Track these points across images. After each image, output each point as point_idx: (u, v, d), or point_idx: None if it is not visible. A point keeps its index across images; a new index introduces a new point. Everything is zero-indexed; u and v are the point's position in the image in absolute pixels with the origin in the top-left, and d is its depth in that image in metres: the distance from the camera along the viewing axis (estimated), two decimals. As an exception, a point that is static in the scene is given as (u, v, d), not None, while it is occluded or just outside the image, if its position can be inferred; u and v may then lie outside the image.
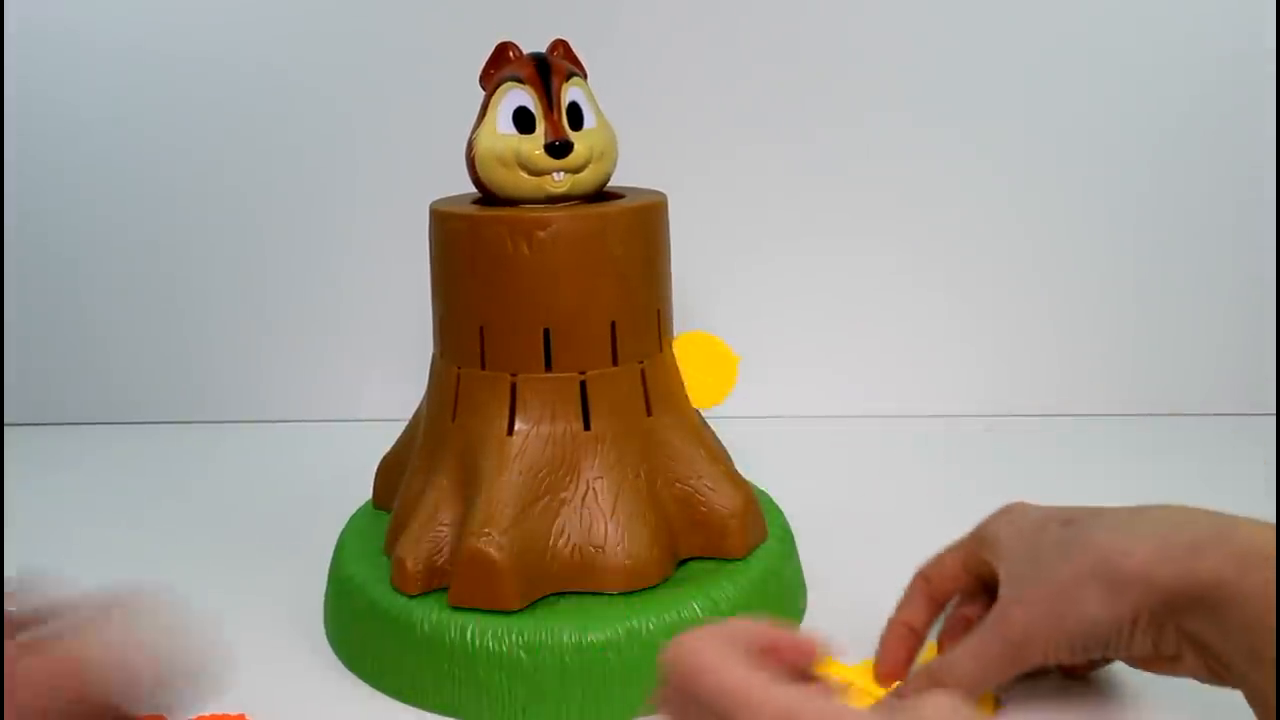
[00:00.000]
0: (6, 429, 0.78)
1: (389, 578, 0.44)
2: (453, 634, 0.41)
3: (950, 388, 0.76)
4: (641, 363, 0.46)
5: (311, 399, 0.79)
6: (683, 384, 0.48)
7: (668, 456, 0.46)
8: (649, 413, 0.46)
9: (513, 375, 0.45)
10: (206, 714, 0.38)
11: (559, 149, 0.44)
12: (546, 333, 0.44)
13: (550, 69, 0.45)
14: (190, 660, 0.25)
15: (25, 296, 0.78)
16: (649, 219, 0.46)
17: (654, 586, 0.44)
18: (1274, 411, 0.73)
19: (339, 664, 0.46)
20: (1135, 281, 0.74)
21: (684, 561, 0.46)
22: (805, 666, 0.29)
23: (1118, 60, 0.70)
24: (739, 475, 0.48)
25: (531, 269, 0.43)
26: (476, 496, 0.43)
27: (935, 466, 0.68)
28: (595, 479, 0.44)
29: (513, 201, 0.45)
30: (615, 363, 0.45)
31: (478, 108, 0.46)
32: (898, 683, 0.40)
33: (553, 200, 0.45)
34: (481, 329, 0.45)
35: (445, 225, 0.46)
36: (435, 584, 0.44)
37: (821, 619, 0.48)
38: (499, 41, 0.46)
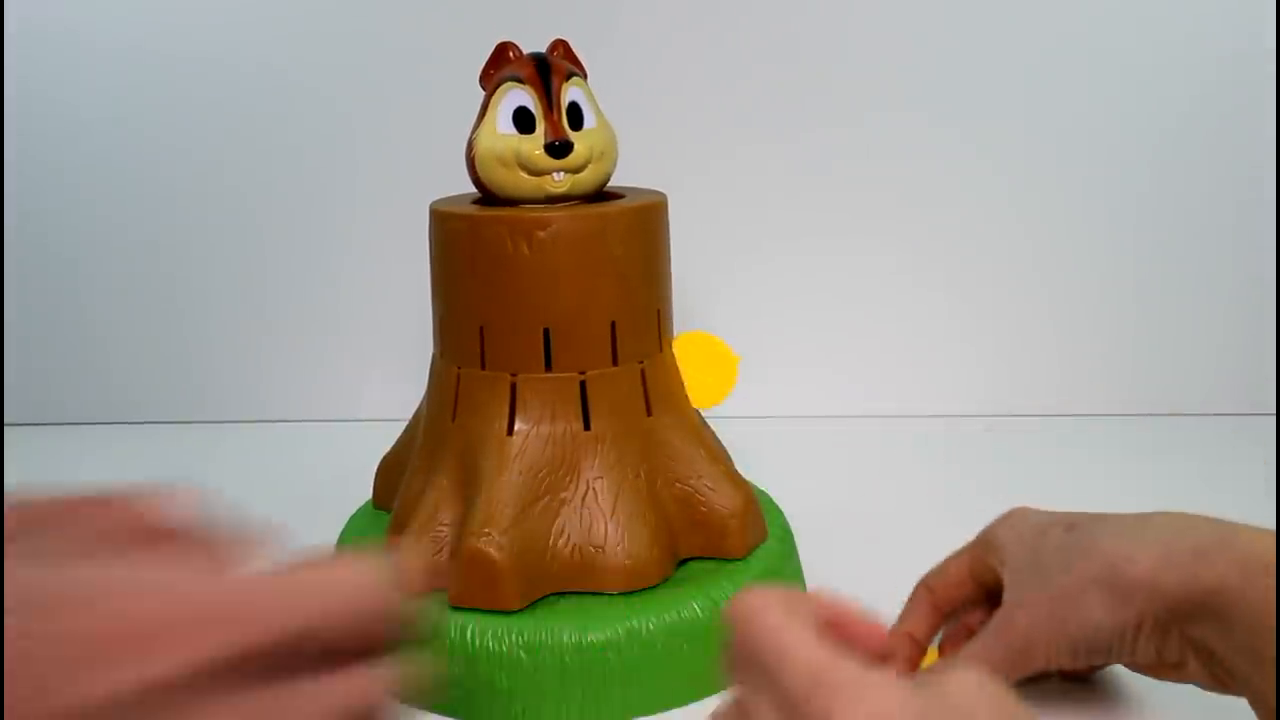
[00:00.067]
0: (6, 429, 0.77)
1: (389, 578, 0.44)
2: (453, 634, 0.41)
3: (950, 388, 0.76)
4: (641, 363, 0.46)
5: (311, 399, 0.79)
6: (683, 384, 0.48)
7: (668, 456, 0.46)
8: (649, 413, 0.46)
9: (513, 375, 0.45)
10: None
11: (559, 149, 0.44)
12: (546, 333, 0.44)
13: (550, 69, 0.45)
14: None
15: (25, 296, 0.78)
16: (649, 219, 0.46)
17: (654, 586, 0.44)
18: (1274, 411, 0.73)
19: (339, 664, 0.46)
20: (1135, 281, 0.74)
21: (684, 561, 0.46)
22: (872, 649, 0.29)
23: (1118, 60, 0.70)
24: (739, 475, 0.48)
25: (531, 269, 0.43)
26: (476, 496, 0.43)
27: (935, 466, 0.68)
28: (595, 479, 0.44)
29: (513, 201, 0.45)
30: (615, 363, 0.45)
31: (478, 108, 0.46)
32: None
33: (553, 200, 0.45)
34: (481, 329, 0.45)
35: (445, 225, 0.46)
36: (435, 584, 0.44)
37: (821, 619, 0.48)
38: (499, 41, 0.46)
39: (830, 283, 0.75)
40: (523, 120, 0.44)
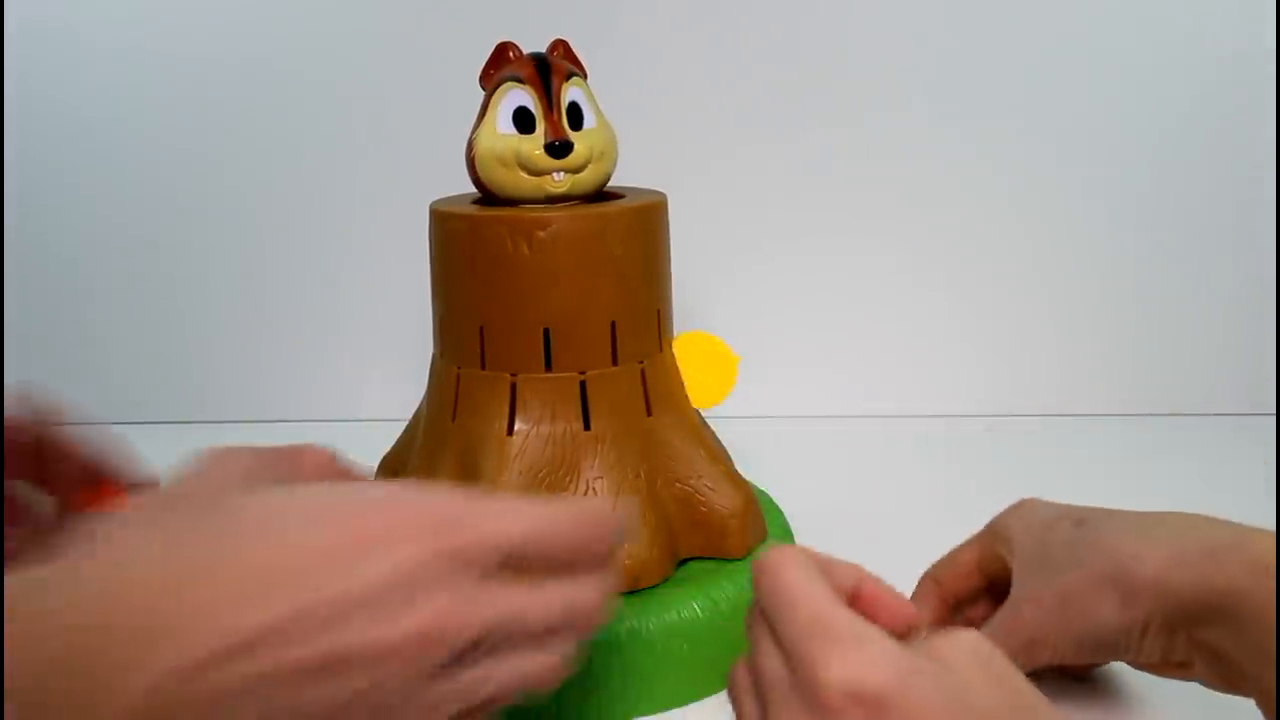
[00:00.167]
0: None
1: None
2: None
3: (950, 388, 0.76)
4: (641, 363, 0.46)
5: (311, 399, 0.79)
6: (683, 384, 0.48)
7: (668, 456, 0.46)
8: (649, 413, 0.46)
9: (513, 375, 0.45)
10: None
11: (559, 149, 0.44)
12: (546, 333, 0.44)
13: (550, 69, 0.45)
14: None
15: (25, 296, 0.78)
16: (649, 219, 0.46)
17: (654, 586, 0.44)
18: (1274, 411, 0.73)
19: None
20: (1135, 281, 0.74)
21: (684, 561, 0.46)
22: (896, 625, 0.29)
23: (1118, 60, 0.70)
24: (739, 475, 0.48)
25: (531, 269, 0.43)
26: (476, 496, 0.43)
27: (935, 466, 0.68)
28: (595, 479, 0.44)
29: (513, 201, 0.45)
30: (615, 363, 0.45)
31: (478, 108, 0.46)
32: None
33: (553, 200, 0.45)
34: (481, 329, 0.45)
35: (445, 225, 0.46)
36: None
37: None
38: (499, 41, 0.46)
39: (830, 283, 0.75)
40: (523, 120, 0.44)
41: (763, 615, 0.30)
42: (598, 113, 0.46)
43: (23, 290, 0.78)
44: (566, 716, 0.41)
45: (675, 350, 0.48)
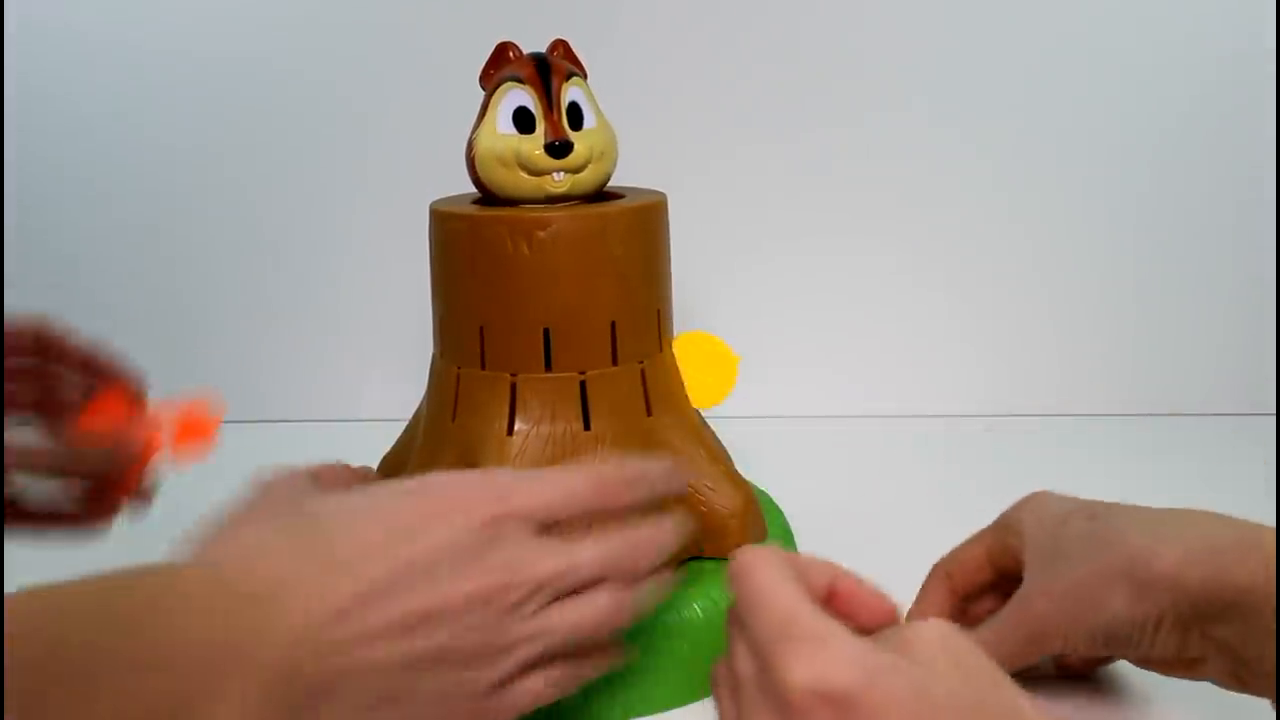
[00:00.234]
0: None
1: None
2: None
3: (950, 388, 0.76)
4: (641, 363, 0.46)
5: (311, 399, 0.79)
6: (683, 384, 0.48)
7: (668, 456, 0.46)
8: (649, 413, 0.46)
9: (513, 375, 0.45)
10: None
11: (559, 149, 0.44)
12: (546, 333, 0.44)
13: (550, 69, 0.45)
14: None
15: (25, 296, 0.78)
16: (649, 219, 0.46)
17: (654, 586, 0.44)
18: (1274, 411, 0.73)
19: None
20: (1135, 281, 0.74)
21: (684, 561, 0.46)
22: (874, 623, 0.30)
23: (1118, 60, 0.70)
24: (739, 475, 0.48)
25: (531, 269, 0.43)
26: (476, 496, 0.43)
27: (935, 466, 0.68)
28: (595, 479, 0.44)
29: (513, 201, 0.45)
30: (615, 363, 0.45)
31: (478, 108, 0.46)
32: None
33: (553, 200, 0.45)
34: (481, 329, 0.45)
35: (445, 225, 0.46)
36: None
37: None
38: (499, 41, 0.46)
39: (830, 283, 0.75)
40: (523, 120, 0.44)
41: (736, 616, 0.30)
42: (598, 113, 0.46)
43: (22, 290, 0.77)
44: (567, 716, 0.41)
45: (675, 350, 0.48)
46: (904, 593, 0.43)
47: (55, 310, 0.80)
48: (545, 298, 0.44)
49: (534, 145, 0.44)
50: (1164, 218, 0.73)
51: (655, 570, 0.35)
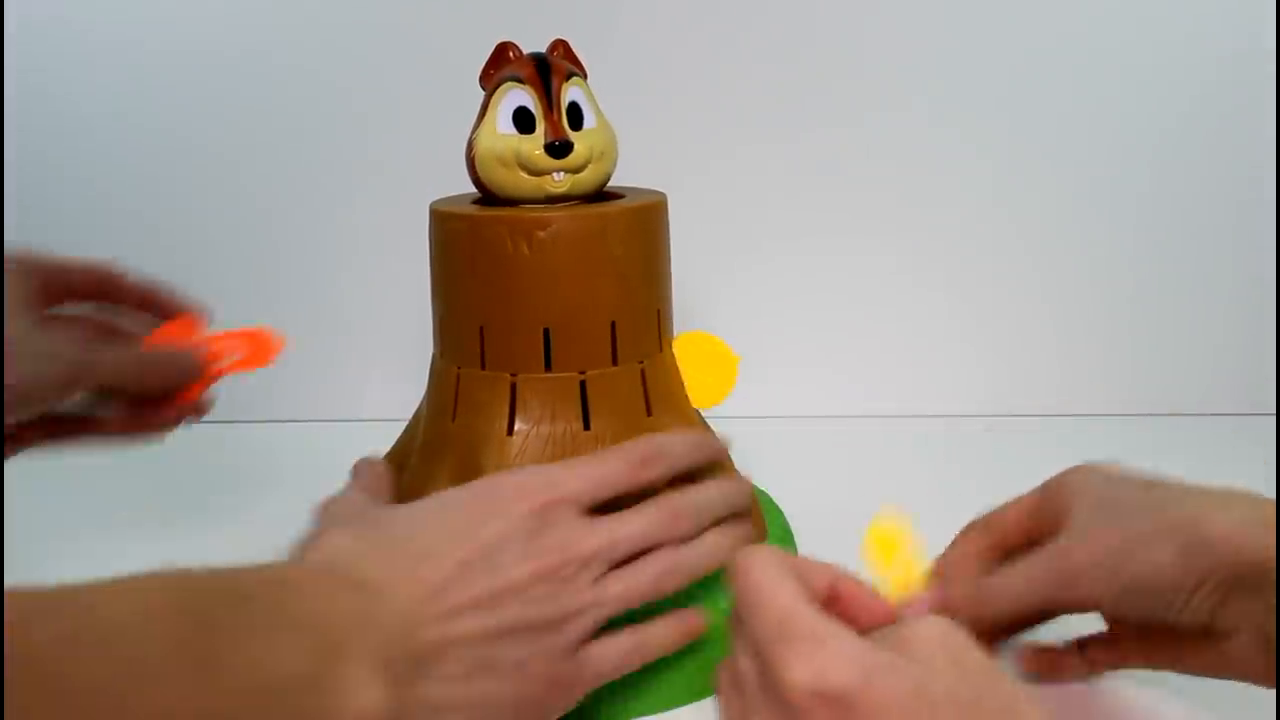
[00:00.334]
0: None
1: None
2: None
3: (950, 388, 0.76)
4: (641, 363, 0.46)
5: (312, 399, 0.79)
6: (683, 384, 0.48)
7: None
8: (649, 413, 0.46)
9: (513, 375, 0.45)
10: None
11: (559, 149, 0.44)
12: (546, 333, 0.44)
13: (550, 69, 0.45)
14: None
15: (25, 296, 0.78)
16: (649, 219, 0.46)
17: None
18: (1274, 411, 0.73)
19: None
20: (1135, 281, 0.74)
21: (684, 561, 0.46)
22: (871, 627, 0.30)
23: (1118, 60, 0.70)
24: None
25: (531, 269, 0.43)
26: (476, 496, 0.43)
27: (935, 466, 0.68)
28: (595, 479, 0.44)
29: (513, 201, 0.45)
30: (615, 363, 0.45)
31: (478, 108, 0.46)
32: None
33: (553, 200, 0.45)
34: (481, 329, 0.45)
35: (445, 225, 0.46)
36: None
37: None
38: (499, 41, 0.46)
39: (830, 283, 0.75)
40: (523, 120, 0.44)
41: (737, 617, 0.31)
42: (598, 113, 0.46)
43: (23, 290, 0.77)
44: (567, 716, 0.41)
45: (675, 350, 0.48)
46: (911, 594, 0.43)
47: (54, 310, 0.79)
48: (545, 298, 0.44)
49: (534, 145, 0.44)
50: (1164, 218, 0.73)
51: (706, 529, 0.40)
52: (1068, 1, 0.69)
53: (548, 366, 0.44)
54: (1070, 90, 0.70)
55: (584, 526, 0.36)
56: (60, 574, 0.26)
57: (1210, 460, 0.66)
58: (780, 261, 0.75)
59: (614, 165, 0.47)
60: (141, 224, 0.77)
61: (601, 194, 0.47)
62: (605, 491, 0.38)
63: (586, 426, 0.45)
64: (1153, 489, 0.37)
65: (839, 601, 0.31)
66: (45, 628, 0.24)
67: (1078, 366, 0.76)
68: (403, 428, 0.52)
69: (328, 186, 0.75)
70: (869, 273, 0.74)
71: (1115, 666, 0.39)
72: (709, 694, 0.42)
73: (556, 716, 0.36)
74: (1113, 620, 0.39)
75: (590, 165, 0.45)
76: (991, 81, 0.70)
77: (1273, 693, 0.34)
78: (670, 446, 0.40)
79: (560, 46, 0.47)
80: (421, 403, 0.50)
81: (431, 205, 0.47)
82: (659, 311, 0.47)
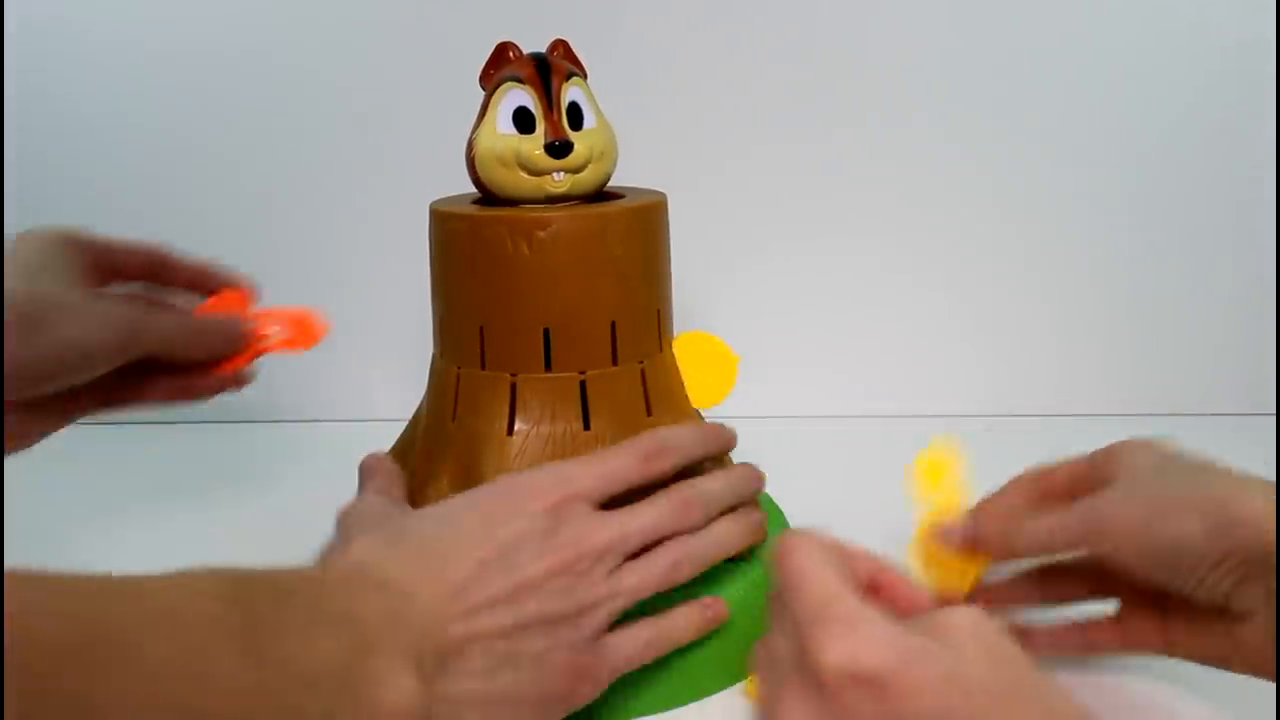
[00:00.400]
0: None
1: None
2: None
3: (950, 388, 0.76)
4: (641, 363, 0.46)
5: (312, 399, 0.79)
6: (683, 384, 0.48)
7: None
8: (649, 413, 0.46)
9: (513, 375, 0.45)
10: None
11: (559, 149, 0.44)
12: (546, 333, 0.44)
13: (550, 69, 0.45)
14: None
15: (25, 296, 0.78)
16: (649, 219, 0.46)
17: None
18: (1274, 411, 0.73)
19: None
20: (1135, 281, 0.74)
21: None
22: (905, 612, 0.31)
23: (1118, 60, 0.70)
24: (739, 475, 0.48)
25: (531, 269, 0.44)
26: (476, 496, 0.43)
27: (935, 466, 0.67)
28: (595, 479, 0.44)
29: (513, 201, 0.45)
30: (615, 363, 0.45)
31: (478, 108, 0.46)
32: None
33: (553, 200, 0.45)
34: (481, 329, 0.45)
35: (445, 225, 0.46)
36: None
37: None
38: (499, 41, 0.46)
39: (830, 283, 0.75)
40: (523, 120, 0.44)
41: (777, 599, 0.31)
42: (598, 113, 0.46)
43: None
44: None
45: (675, 350, 0.48)
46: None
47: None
48: (545, 298, 0.44)
49: (534, 145, 0.44)
50: (1164, 218, 0.73)
51: (716, 518, 0.41)
52: (1067, 3, 0.69)
53: (548, 366, 0.44)
54: (1070, 91, 0.70)
55: (597, 521, 0.37)
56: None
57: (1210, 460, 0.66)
58: (780, 261, 0.75)
59: (614, 165, 0.47)
60: (141, 224, 0.76)
61: (601, 194, 0.47)
62: (616, 486, 0.38)
63: (586, 426, 0.45)
64: (1196, 468, 0.38)
65: (880, 591, 0.32)
66: (108, 607, 0.25)
67: (1078, 366, 0.76)
68: (402, 428, 0.52)
69: (328, 186, 0.75)
70: (869, 273, 0.74)
71: (1119, 649, 0.40)
72: (710, 692, 0.42)
73: (580, 706, 0.36)
74: (1130, 590, 0.40)
75: (590, 165, 0.45)
76: (991, 82, 0.70)
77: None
78: (678, 439, 0.41)
79: (560, 46, 0.47)
80: (421, 403, 0.50)
81: (431, 205, 0.47)
82: (659, 311, 0.47)
